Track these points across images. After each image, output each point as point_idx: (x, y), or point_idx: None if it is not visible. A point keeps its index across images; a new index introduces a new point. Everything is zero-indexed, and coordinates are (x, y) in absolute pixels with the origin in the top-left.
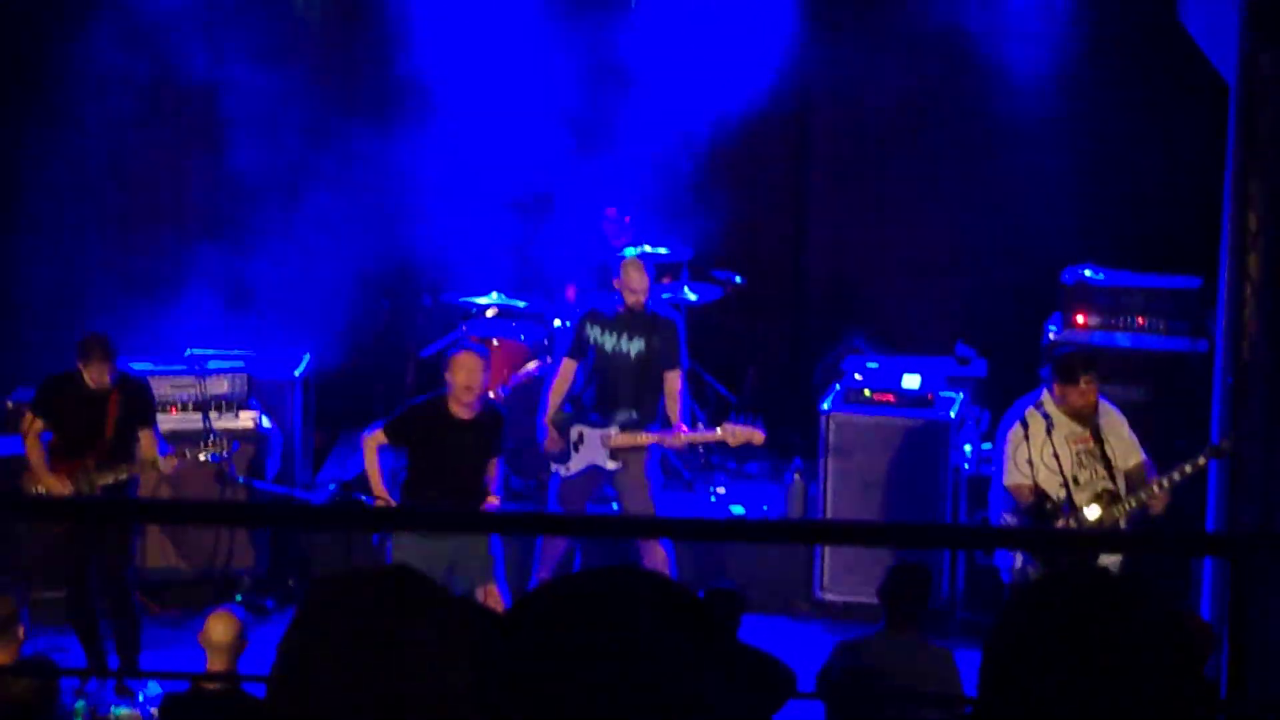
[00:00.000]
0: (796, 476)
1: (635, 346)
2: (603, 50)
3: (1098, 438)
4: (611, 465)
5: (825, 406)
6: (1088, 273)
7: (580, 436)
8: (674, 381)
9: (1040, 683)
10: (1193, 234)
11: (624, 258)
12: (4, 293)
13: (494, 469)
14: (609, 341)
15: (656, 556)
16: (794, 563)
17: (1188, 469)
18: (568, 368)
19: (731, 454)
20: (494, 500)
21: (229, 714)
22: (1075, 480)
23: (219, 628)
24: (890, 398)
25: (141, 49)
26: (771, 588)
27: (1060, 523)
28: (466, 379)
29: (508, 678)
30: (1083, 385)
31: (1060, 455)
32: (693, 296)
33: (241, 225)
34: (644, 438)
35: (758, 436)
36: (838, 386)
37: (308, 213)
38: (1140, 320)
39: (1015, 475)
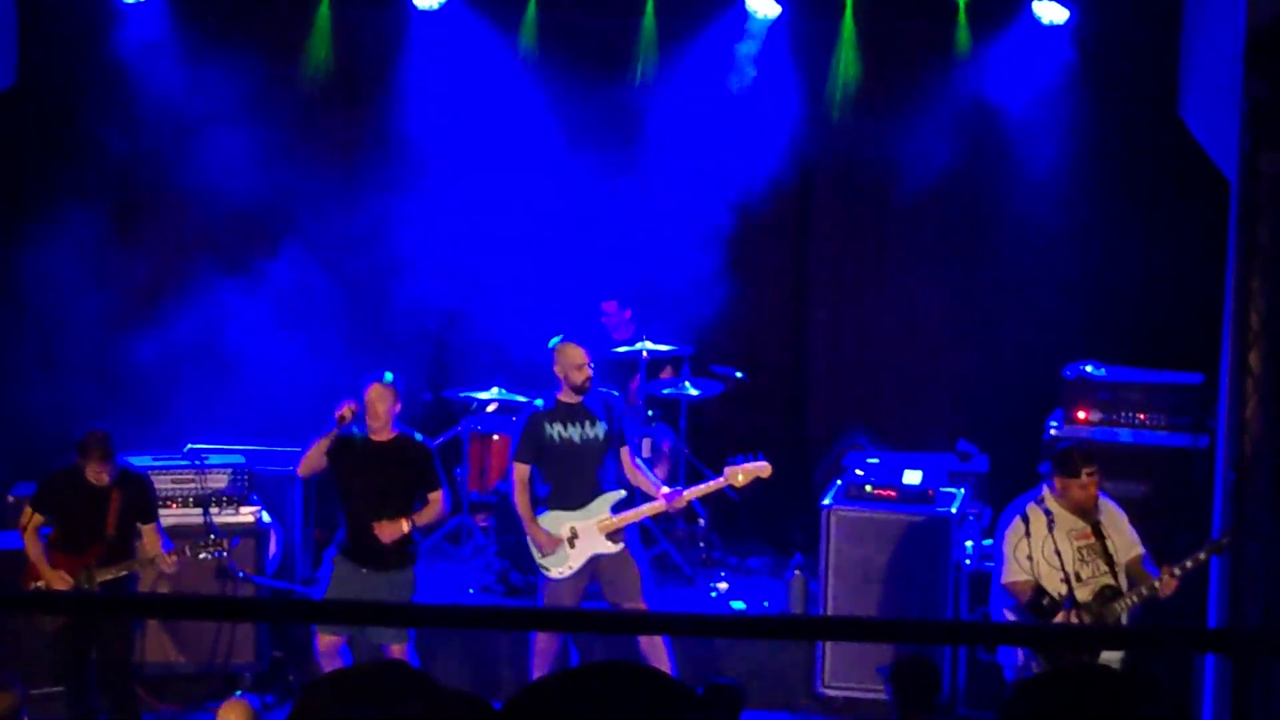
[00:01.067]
0: (797, 572)
1: (600, 429)
2: (604, 147)
3: (1098, 534)
4: (615, 548)
5: (826, 502)
6: (1089, 368)
7: (574, 532)
8: (628, 455)
9: None
10: (1194, 330)
11: (554, 344)
12: (3, 387)
13: (436, 504)
14: (575, 432)
15: (654, 641)
16: (795, 658)
17: (1189, 564)
18: (524, 473)
19: (733, 550)
20: (403, 523)
21: None
22: (1077, 576)
23: (233, 717)
24: (891, 493)
25: (138, 142)
26: (773, 683)
27: (1060, 617)
28: (367, 408)
29: None
30: (1084, 478)
31: (1062, 552)
32: (694, 392)
33: (242, 320)
34: (647, 509)
35: (765, 469)
36: (839, 482)
37: (308, 308)
38: (1142, 416)
39: (1015, 572)
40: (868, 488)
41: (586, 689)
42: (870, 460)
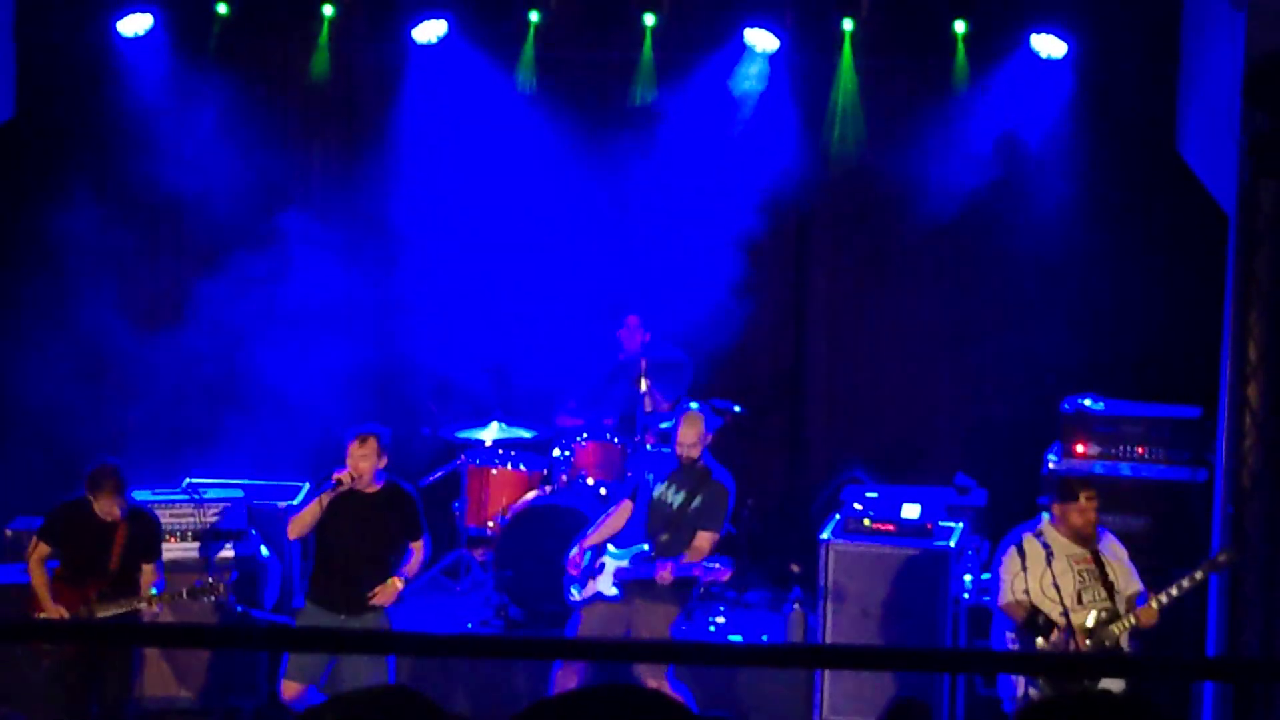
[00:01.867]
0: (796, 606)
1: (679, 499)
2: (600, 183)
3: (1098, 560)
4: (610, 592)
5: (824, 536)
6: (1087, 402)
7: (602, 566)
8: (704, 541)
9: None
10: (1193, 364)
11: (687, 411)
12: (3, 420)
13: (418, 553)
14: (658, 489)
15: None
16: (794, 691)
17: (1185, 583)
18: (624, 507)
19: (731, 583)
20: (397, 583)
21: None
22: (1078, 598)
23: None
24: (890, 527)
25: (137, 173)
26: (771, 716)
27: (1058, 641)
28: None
29: None
30: (1082, 502)
31: (1060, 584)
32: None
33: (241, 355)
34: (642, 572)
35: (724, 575)
36: (837, 516)
37: (308, 342)
38: (1140, 450)
39: (1009, 595)
40: (866, 521)
41: (587, 710)
42: (868, 494)
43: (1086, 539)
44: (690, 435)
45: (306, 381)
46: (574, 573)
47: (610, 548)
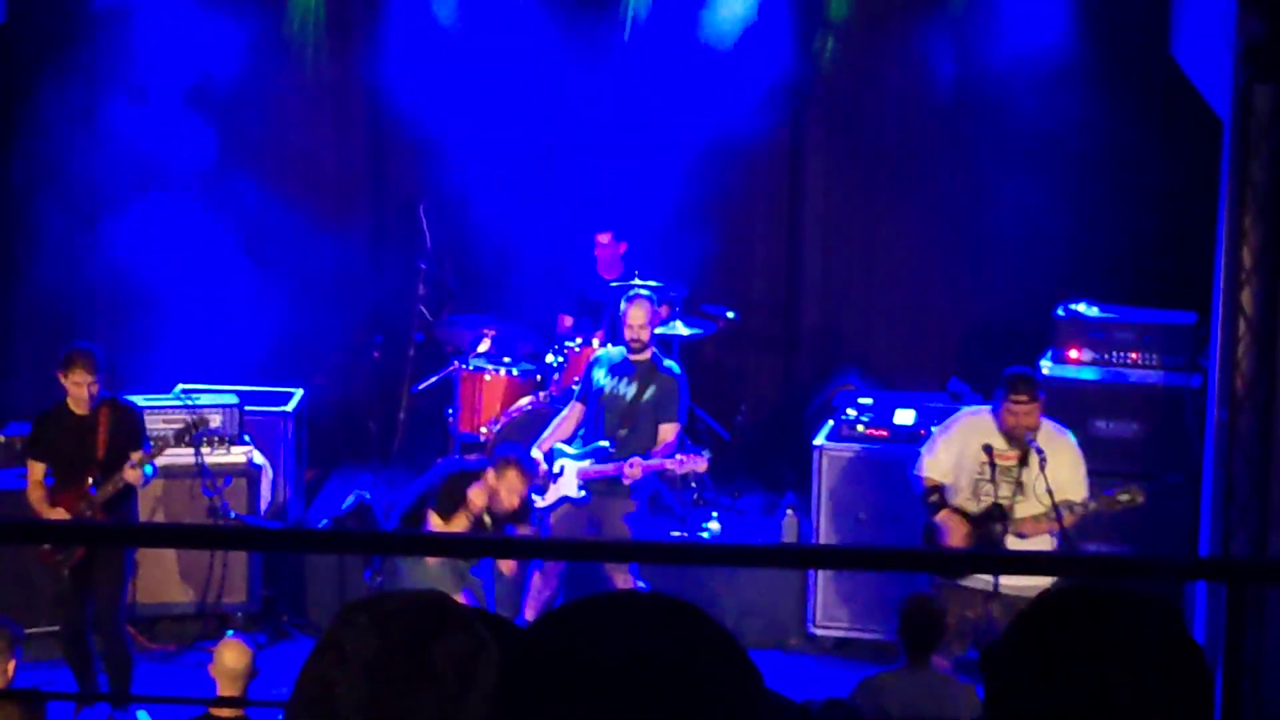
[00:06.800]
0: (789, 512)
1: (630, 391)
2: (595, 83)
3: (1023, 462)
4: (577, 495)
5: (818, 442)
6: (1081, 308)
7: (561, 469)
8: (667, 433)
9: (1045, 702)
10: (1187, 269)
11: (632, 295)
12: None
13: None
14: (609, 384)
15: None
16: (786, 597)
17: (1080, 509)
18: (575, 410)
19: (725, 490)
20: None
21: None
22: (975, 489)
23: (230, 655)
24: (883, 433)
25: (129, 78)
26: (764, 622)
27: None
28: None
29: (532, 704)
30: (1010, 404)
31: (962, 465)
32: (685, 331)
33: (235, 261)
34: (608, 468)
35: (701, 464)
36: (831, 422)
37: (301, 249)
38: (1134, 355)
39: (929, 467)
40: (860, 427)
41: (613, 620)
42: (862, 400)
43: (1018, 439)
44: (640, 316)
45: (294, 289)
46: (535, 480)
47: (566, 449)
